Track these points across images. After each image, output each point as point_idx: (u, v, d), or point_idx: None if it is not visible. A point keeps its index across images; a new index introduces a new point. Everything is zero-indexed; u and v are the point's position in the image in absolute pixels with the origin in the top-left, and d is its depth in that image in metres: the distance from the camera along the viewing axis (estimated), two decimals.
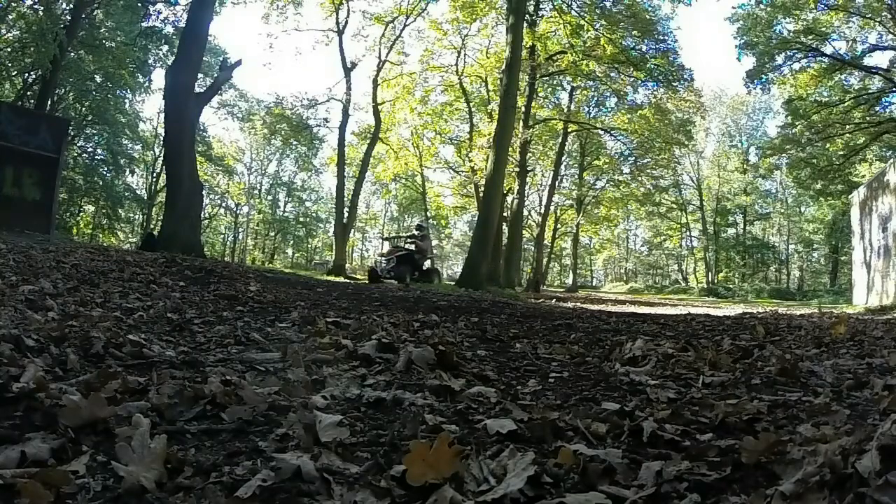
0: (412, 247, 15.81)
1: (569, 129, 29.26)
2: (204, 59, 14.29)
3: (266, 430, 1.46)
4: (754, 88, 23.36)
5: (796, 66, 21.87)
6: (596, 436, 1.52)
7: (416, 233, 16.57)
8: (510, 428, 1.52)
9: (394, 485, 1.14)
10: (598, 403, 1.92)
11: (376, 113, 25.48)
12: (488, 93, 25.93)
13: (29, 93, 18.66)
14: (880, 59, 21.46)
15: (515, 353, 3.13)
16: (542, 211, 31.59)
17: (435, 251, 17.67)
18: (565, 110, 29.04)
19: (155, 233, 13.65)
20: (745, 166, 40.27)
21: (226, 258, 31.95)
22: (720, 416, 1.67)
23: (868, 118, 21.69)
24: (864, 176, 23.48)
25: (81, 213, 27.60)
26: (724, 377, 2.39)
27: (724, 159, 42.33)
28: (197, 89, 13.07)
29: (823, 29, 20.98)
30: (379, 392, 1.88)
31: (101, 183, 24.81)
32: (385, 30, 25.60)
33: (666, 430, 1.52)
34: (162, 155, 21.65)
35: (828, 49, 21.41)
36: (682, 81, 23.48)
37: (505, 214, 22.43)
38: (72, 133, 20.33)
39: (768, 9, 21.09)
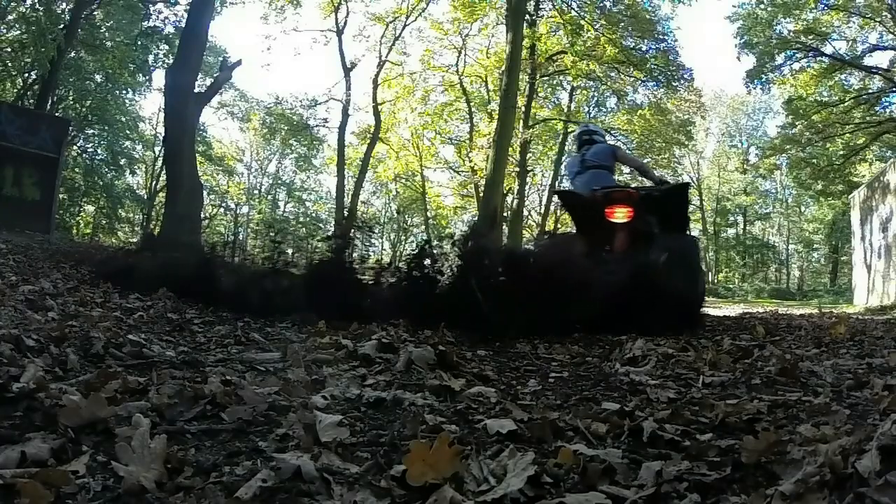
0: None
1: (569, 129, 29.26)
2: (204, 59, 14.26)
3: (266, 430, 1.46)
4: (754, 88, 23.35)
5: (796, 65, 21.88)
6: (596, 436, 1.52)
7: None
8: (510, 428, 1.52)
9: (394, 485, 1.14)
10: (598, 403, 1.93)
11: (376, 113, 25.50)
12: (488, 93, 25.94)
13: (29, 93, 18.65)
14: (880, 59, 21.47)
15: (515, 352, 3.13)
16: (542, 211, 31.56)
17: None
18: (565, 110, 29.03)
19: (155, 233, 13.64)
20: (745, 166, 40.24)
21: (225, 259, 31.90)
22: (720, 416, 1.67)
23: (868, 118, 21.69)
24: (864, 176, 23.47)
25: (81, 213, 27.59)
26: (724, 377, 2.39)
27: (724, 159, 42.30)
28: (197, 89, 13.06)
29: (823, 29, 20.98)
30: (379, 392, 1.89)
31: (101, 183, 24.78)
32: (385, 30, 25.63)
33: (666, 430, 1.52)
34: (162, 155, 21.63)
35: (828, 49, 21.42)
36: (681, 81, 23.49)
37: (505, 214, 22.44)
38: (72, 133, 20.32)
39: (769, 8, 21.08)
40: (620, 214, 4.59)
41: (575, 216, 5.18)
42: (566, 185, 5.97)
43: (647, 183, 5.58)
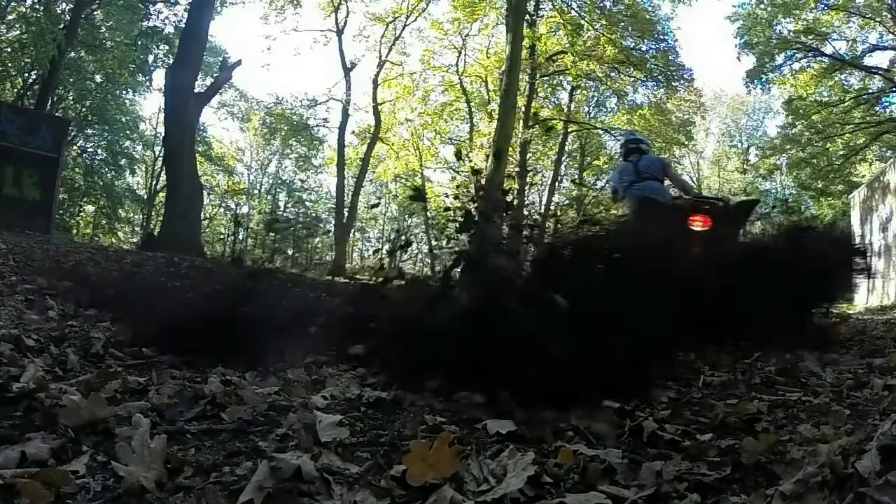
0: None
1: (569, 129, 29.22)
2: (204, 59, 14.27)
3: (266, 430, 1.46)
4: (754, 88, 23.34)
5: (796, 65, 21.84)
6: (596, 436, 1.52)
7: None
8: (510, 428, 1.52)
9: (394, 485, 1.14)
10: (599, 403, 1.92)
11: (376, 113, 25.47)
12: (488, 93, 25.90)
13: (29, 93, 18.65)
14: (880, 59, 21.44)
15: None
16: (543, 211, 31.54)
17: None
18: (565, 110, 29.00)
19: (155, 233, 13.65)
20: (745, 166, 40.24)
21: (225, 258, 31.87)
22: (720, 416, 1.67)
23: (868, 118, 21.67)
24: (864, 176, 23.45)
25: (81, 213, 27.60)
26: (724, 377, 2.39)
27: (724, 159, 42.29)
28: (197, 89, 13.06)
29: (823, 29, 20.96)
30: (379, 392, 1.89)
31: (101, 183, 24.81)
32: (385, 30, 25.61)
33: (666, 430, 1.52)
34: (162, 155, 21.63)
35: (828, 49, 21.38)
36: (681, 81, 23.48)
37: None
38: (72, 133, 20.32)
39: (769, 8, 21.07)
40: (700, 223, 4.72)
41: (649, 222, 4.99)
42: (618, 191, 5.80)
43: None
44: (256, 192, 41.23)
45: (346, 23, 24.98)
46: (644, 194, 5.16)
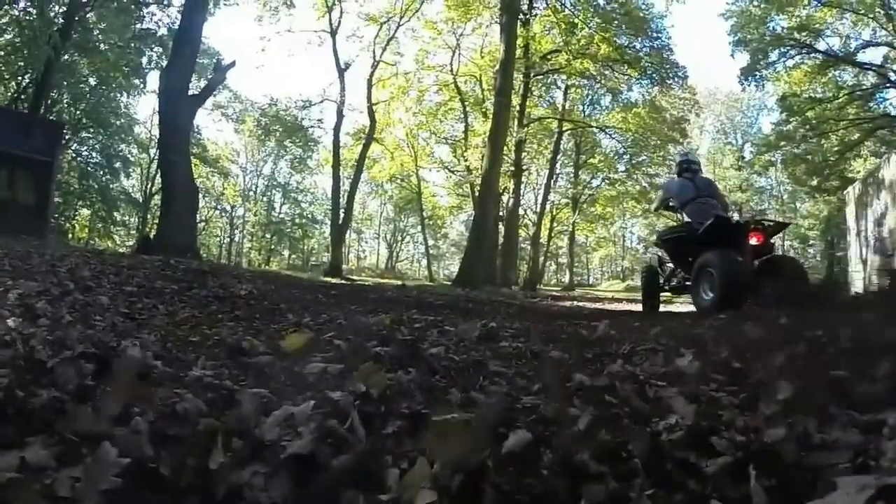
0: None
1: (564, 128, 29.29)
2: (198, 60, 14.23)
3: None
4: (748, 85, 23.44)
5: (790, 62, 21.96)
6: None
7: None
8: None
9: None
10: None
11: (371, 113, 25.48)
12: (483, 92, 25.95)
13: (23, 96, 18.60)
14: (874, 55, 21.61)
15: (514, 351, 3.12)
16: (538, 210, 31.62)
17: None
18: (560, 109, 29.07)
19: (151, 236, 13.60)
20: (739, 163, 40.39)
21: (222, 260, 31.89)
22: None
23: (862, 114, 21.77)
24: (858, 172, 23.54)
25: (77, 217, 27.55)
26: None
27: (720, 156, 42.45)
28: (191, 91, 13.02)
29: (817, 25, 21.05)
30: None
31: (96, 186, 24.76)
32: (379, 30, 25.62)
33: None
34: (157, 158, 21.59)
35: (821, 45, 21.50)
36: (675, 79, 23.60)
37: (501, 213, 22.49)
38: (66, 136, 20.26)
39: (762, 5, 21.15)
40: (756, 239, 6.05)
41: (715, 234, 6.04)
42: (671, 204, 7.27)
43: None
44: (252, 193, 41.24)
45: (339, 23, 24.98)
46: (709, 208, 6.46)
